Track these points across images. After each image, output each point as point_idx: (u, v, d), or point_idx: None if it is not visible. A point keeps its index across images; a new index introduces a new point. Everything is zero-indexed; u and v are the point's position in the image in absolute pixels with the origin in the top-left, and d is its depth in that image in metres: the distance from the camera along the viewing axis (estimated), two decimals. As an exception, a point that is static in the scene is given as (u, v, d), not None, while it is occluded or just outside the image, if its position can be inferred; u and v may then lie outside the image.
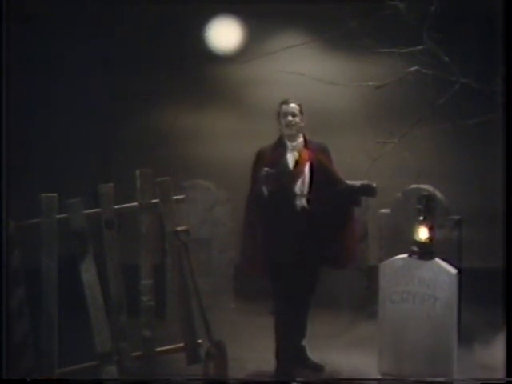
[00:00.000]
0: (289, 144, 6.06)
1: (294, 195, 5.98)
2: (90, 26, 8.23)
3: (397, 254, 6.04)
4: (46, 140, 8.17)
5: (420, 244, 5.95)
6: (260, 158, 6.07)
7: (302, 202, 6.00)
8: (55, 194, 5.94)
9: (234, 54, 8.49)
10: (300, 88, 7.49)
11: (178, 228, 6.10)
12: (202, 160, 8.49)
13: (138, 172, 6.08)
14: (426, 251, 5.94)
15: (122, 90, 8.37)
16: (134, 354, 6.03)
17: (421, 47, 7.05)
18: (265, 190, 5.90)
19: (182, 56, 8.46)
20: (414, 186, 7.30)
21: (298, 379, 5.96)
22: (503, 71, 5.96)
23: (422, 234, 5.95)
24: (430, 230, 5.96)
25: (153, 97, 8.52)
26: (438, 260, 5.92)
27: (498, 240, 5.85)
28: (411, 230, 6.05)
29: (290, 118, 6.04)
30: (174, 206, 6.16)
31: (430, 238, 5.95)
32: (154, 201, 6.10)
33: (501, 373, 5.68)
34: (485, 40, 6.82)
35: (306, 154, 6.05)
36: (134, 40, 8.40)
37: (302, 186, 6.01)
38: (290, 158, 6.03)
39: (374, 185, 6.03)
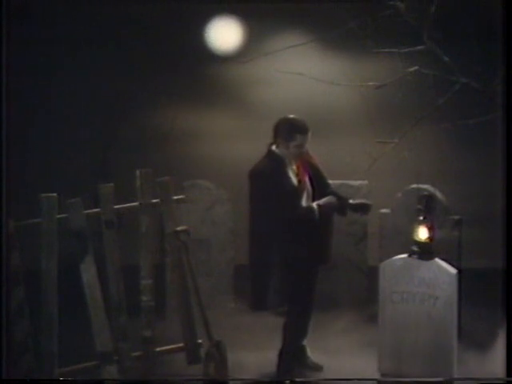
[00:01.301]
0: (287, 161, 5.92)
1: (301, 208, 5.90)
2: (89, 25, 8.22)
3: (397, 254, 6.04)
4: (46, 140, 8.16)
5: (420, 244, 5.95)
6: (260, 179, 5.85)
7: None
8: (55, 194, 5.94)
9: (234, 53, 8.46)
10: (300, 88, 7.50)
11: (178, 228, 6.10)
12: (201, 160, 8.47)
13: (137, 172, 6.08)
14: (425, 251, 5.94)
15: (122, 89, 8.36)
16: (134, 354, 6.04)
17: (421, 47, 7.05)
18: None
19: (182, 56, 8.44)
20: (414, 185, 7.29)
21: (298, 379, 5.96)
22: (503, 71, 5.97)
23: (422, 234, 5.95)
24: (430, 230, 5.95)
25: (153, 97, 8.51)
26: (437, 260, 5.92)
27: (498, 240, 5.86)
28: (411, 230, 6.05)
29: (303, 149, 5.90)
30: (174, 205, 6.16)
31: (430, 238, 5.95)
32: (154, 201, 6.10)
33: (501, 373, 5.69)
34: (485, 40, 6.81)
35: (300, 164, 5.96)
36: (133, 40, 8.38)
37: (307, 198, 5.95)
38: (292, 175, 5.93)
39: (370, 203, 6.05)
